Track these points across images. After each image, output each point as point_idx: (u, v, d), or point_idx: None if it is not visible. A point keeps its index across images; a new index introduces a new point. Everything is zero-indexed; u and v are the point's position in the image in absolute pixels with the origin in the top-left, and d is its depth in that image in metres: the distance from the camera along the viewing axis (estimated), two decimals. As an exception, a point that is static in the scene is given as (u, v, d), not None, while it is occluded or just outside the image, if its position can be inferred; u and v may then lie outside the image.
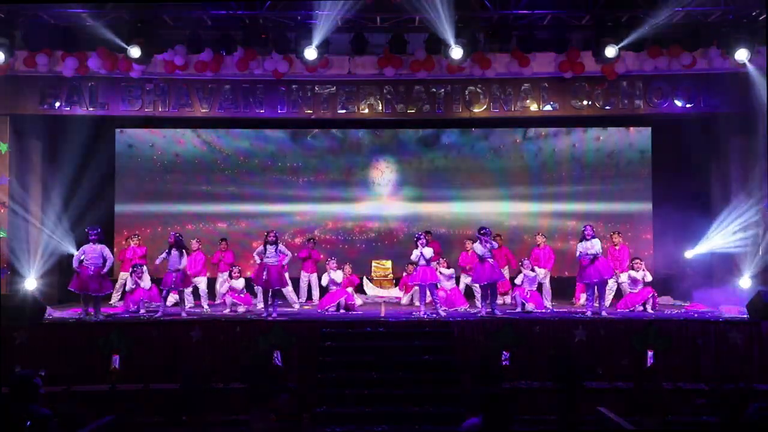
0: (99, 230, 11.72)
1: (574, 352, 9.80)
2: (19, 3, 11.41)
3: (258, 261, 11.84)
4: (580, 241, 11.79)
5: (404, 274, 13.83)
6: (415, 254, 11.65)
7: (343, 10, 11.48)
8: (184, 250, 11.89)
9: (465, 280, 13.05)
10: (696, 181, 14.18)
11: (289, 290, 12.79)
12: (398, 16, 12.12)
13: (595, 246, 11.55)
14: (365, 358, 10.34)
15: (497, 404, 4.59)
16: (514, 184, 15.05)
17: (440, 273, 12.44)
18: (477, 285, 12.26)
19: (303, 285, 13.58)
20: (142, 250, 13.34)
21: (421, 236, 11.85)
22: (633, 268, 12.40)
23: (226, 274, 13.36)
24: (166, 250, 11.84)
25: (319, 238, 14.87)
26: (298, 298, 13.37)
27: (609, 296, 12.35)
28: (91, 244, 11.50)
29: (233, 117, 13.43)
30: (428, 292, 11.76)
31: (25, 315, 10.74)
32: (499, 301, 12.16)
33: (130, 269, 12.77)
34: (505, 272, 12.93)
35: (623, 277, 12.65)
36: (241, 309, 12.44)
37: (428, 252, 11.63)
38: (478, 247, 11.60)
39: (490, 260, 11.52)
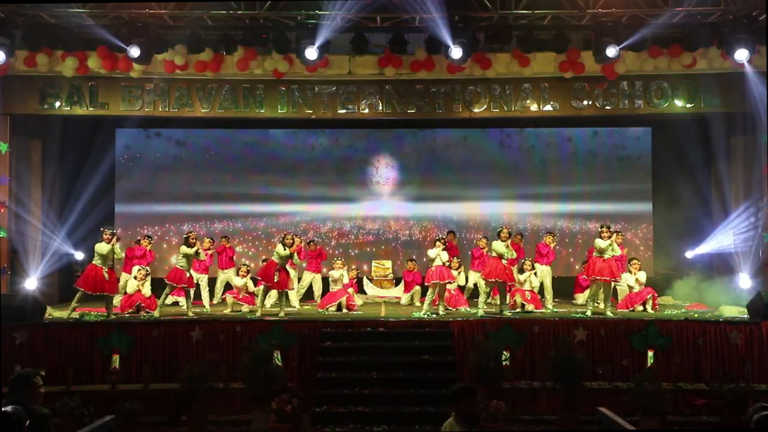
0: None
1: (574, 352, 9.78)
2: (19, 3, 11.40)
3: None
4: (598, 238, 11.77)
5: (405, 270, 13.86)
6: (433, 252, 11.67)
7: (343, 10, 11.47)
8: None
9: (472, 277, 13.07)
10: (696, 181, 14.19)
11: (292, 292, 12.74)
12: (398, 15, 12.10)
13: (615, 248, 11.58)
14: (365, 358, 10.33)
15: (465, 398, 4.60)
16: (514, 184, 15.06)
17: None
18: (484, 281, 12.19)
19: (304, 284, 13.55)
20: (152, 254, 13.33)
21: (441, 237, 12.03)
22: (631, 269, 12.39)
23: (229, 271, 13.37)
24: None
25: (319, 238, 14.90)
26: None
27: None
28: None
29: (233, 117, 13.43)
30: (437, 292, 11.75)
31: (25, 315, 10.74)
32: (497, 301, 12.12)
33: (136, 270, 12.71)
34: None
35: (622, 278, 12.64)
36: (245, 308, 12.43)
37: (445, 256, 11.73)
38: (499, 245, 11.59)
39: (504, 261, 11.50)
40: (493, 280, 11.53)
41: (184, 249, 11.75)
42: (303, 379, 10.29)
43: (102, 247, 11.33)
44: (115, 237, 11.49)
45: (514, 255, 11.94)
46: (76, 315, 11.33)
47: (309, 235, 14.69)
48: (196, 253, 11.75)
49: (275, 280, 11.57)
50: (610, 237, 11.72)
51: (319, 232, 15.12)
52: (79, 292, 11.31)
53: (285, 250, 11.61)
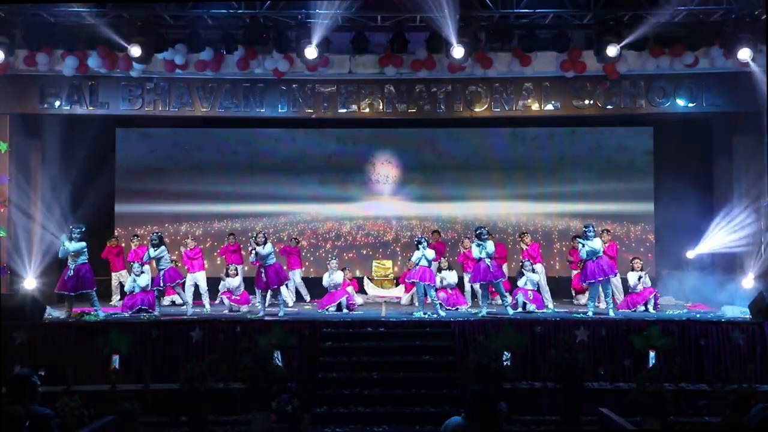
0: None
1: (576, 352, 9.75)
2: (19, 2, 11.38)
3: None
4: (583, 239, 11.71)
5: (405, 270, 13.85)
6: (415, 256, 11.67)
7: (343, 9, 11.46)
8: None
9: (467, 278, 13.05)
10: (698, 181, 14.15)
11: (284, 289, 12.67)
12: (399, 15, 12.08)
13: (597, 244, 11.49)
14: (365, 358, 10.30)
15: (485, 402, 4.56)
16: (515, 183, 15.04)
17: (442, 276, 12.46)
18: (477, 285, 12.20)
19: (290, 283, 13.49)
20: (143, 250, 13.29)
21: (422, 239, 11.89)
22: (633, 269, 12.35)
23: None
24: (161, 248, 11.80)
25: (320, 237, 14.89)
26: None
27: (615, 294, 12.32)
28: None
29: (234, 116, 13.41)
30: (425, 292, 11.73)
31: (25, 315, 10.72)
32: (499, 301, 12.09)
33: (131, 265, 12.67)
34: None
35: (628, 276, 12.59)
36: (244, 308, 12.40)
37: (430, 254, 11.68)
38: (474, 248, 11.59)
39: (486, 260, 11.47)
40: (479, 283, 11.53)
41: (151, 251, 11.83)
42: (303, 379, 10.26)
43: (70, 245, 11.35)
44: (75, 233, 11.38)
45: (492, 250, 11.63)
46: (76, 314, 11.32)
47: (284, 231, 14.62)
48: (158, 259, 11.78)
49: (264, 280, 11.58)
50: (594, 236, 11.59)
51: (318, 232, 15.10)
52: (65, 296, 11.42)
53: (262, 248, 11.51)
